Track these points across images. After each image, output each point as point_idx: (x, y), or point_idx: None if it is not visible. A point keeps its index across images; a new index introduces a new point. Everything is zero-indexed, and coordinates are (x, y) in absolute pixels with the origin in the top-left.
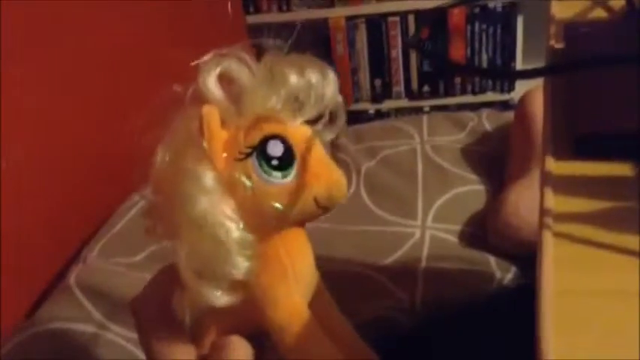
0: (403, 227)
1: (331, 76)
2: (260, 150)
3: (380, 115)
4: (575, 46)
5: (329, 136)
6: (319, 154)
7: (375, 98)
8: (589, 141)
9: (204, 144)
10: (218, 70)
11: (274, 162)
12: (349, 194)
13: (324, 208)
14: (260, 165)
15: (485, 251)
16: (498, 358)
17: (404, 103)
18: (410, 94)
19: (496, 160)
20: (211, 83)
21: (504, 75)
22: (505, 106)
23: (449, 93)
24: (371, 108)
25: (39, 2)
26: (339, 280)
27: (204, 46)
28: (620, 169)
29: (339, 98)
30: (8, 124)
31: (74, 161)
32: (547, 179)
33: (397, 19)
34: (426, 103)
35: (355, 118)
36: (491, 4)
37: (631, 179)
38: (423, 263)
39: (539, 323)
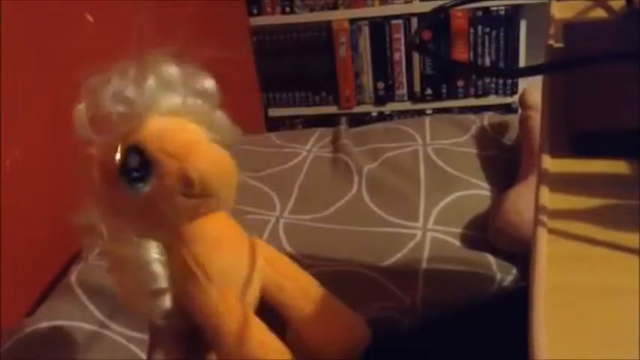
0: (404, 229)
1: (165, 65)
2: (123, 167)
3: (382, 117)
4: (574, 45)
5: (203, 110)
6: (174, 141)
7: (378, 101)
8: (586, 139)
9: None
10: (83, 118)
11: (136, 174)
12: (350, 195)
13: (198, 197)
14: (126, 182)
15: (487, 253)
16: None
17: (407, 105)
18: (413, 97)
19: (498, 163)
20: (83, 129)
21: (504, 73)
22: (508, 109)
23: (451, 96)
24: (374, 110)
25: (40, 3)
26: (340, 280)
27: (208, 48)
28: (615, 166)
29: (194, 80)
30: (11, 123)
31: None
32: (543, 177)
33: (400, 22)
34: (429, 106)
35: (358, 120)
36: (494, 7)
37: (627, 177)
38: (424, 265)
39: (531, 320)
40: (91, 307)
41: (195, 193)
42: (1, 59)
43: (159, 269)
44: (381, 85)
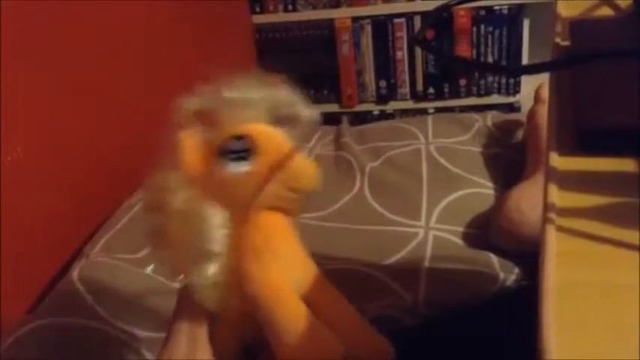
0: (407, 227)
1: (283, 88)
2: (225, 147)
3: (384, 116)
4: (581, 43)
5: (296, 135)
6: (281, 144)
7: (380, 99)
8: (593, 136)
9: (177, 158)
10: (188, 108)
11: (234, 155)
12: (352, 194)
13: (291, 189)
14: (225, 159)
15: (489, 252)
16: (500, 359)
17: (409, 104)
18: (415, 96)
19: (500, 162)
20: (183, 119)
21: (509, 70)
22: (511, 108)
23: (454, 95)
24: (375, 109)
25: (40, 2)
26: (342, 278)
27: (211, 46)
28: (623, 164)
29: (297, 108)
30: (13, 120)
31: (78, 157)
32: (551, 174)
33: (403, 20)
34: (431, 105)
35: (360, 118)
36: (497, 6)
37: (635, 175)
38: (426, 263)
39: (540, 318)
40: (93, 304)
41: (294, 186)
42: (1, 58)
43: (218, 234)
44: (383, 83)
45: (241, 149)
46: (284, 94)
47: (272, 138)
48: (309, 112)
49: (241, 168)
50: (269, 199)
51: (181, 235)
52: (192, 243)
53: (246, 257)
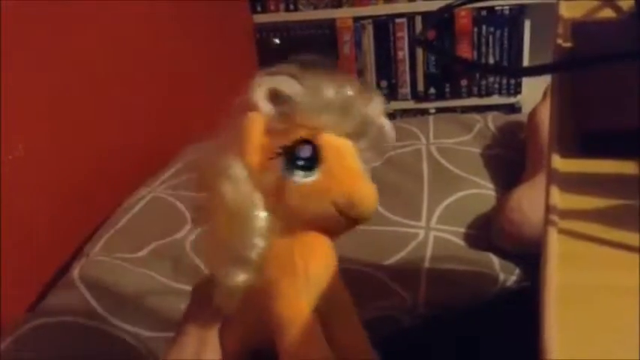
0: (407, 228)
1: (377, 99)
2: (290, 151)
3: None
4: (584, 44)
5: (371, 154)
6: (349, 164)
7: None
8: (595, 138)
9: (242, 144)
10: (267, 87)
11: (300, 162)
12: None
13: (345, 215)
14: (287, 163)
15: (489, 253)
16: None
17: (410, 104)
18: (416, 96)
19: (501, 163)
20: (260, 98)
21: (511, 72)
22: (511, 109)
23: (455, 95)
24: None
25: (43, 2)
26: (342, 278)
27: (211, 45)
28: (625, 166)
29: (384, 122)
30: (13, 118)
31: (78, 157)
32: (553, 176)
33: (404, 20)
34: (432, 105)
35: None
36: (498, 7)
37: (636, 177)
38: (427, 264)
39: (542, 321)
40: (94, 303)
41: (348, 214)
42: (1, 58)
43: (260, 243)
44: (384, 83)
45: (307, 157)
46: (373, 107)
47: (341, 155)
48: (391, 130)
49: (302, 179)
50: (318, 218)
51: (223, 231)
52: (232, 243)
53: (280, 272)
